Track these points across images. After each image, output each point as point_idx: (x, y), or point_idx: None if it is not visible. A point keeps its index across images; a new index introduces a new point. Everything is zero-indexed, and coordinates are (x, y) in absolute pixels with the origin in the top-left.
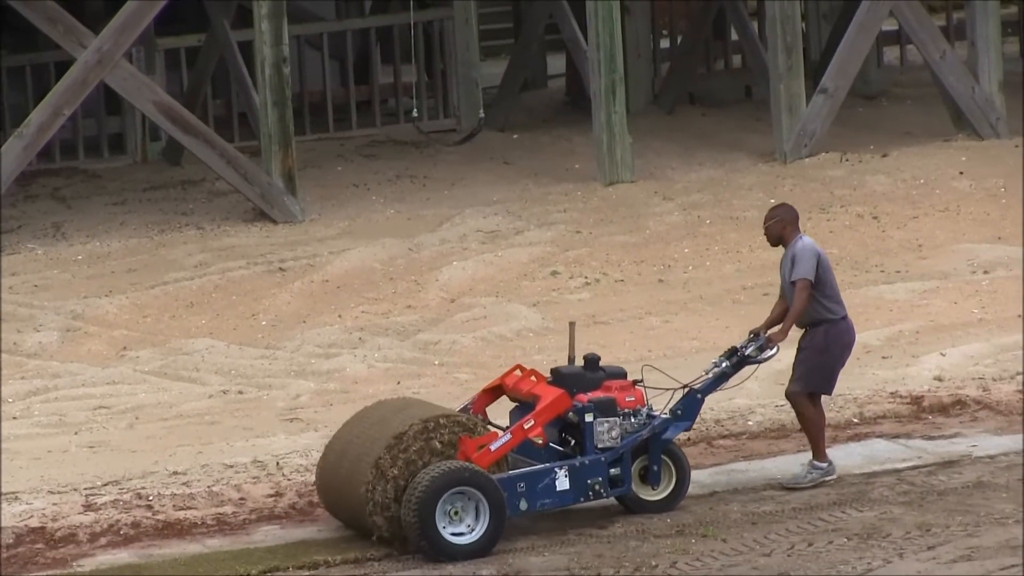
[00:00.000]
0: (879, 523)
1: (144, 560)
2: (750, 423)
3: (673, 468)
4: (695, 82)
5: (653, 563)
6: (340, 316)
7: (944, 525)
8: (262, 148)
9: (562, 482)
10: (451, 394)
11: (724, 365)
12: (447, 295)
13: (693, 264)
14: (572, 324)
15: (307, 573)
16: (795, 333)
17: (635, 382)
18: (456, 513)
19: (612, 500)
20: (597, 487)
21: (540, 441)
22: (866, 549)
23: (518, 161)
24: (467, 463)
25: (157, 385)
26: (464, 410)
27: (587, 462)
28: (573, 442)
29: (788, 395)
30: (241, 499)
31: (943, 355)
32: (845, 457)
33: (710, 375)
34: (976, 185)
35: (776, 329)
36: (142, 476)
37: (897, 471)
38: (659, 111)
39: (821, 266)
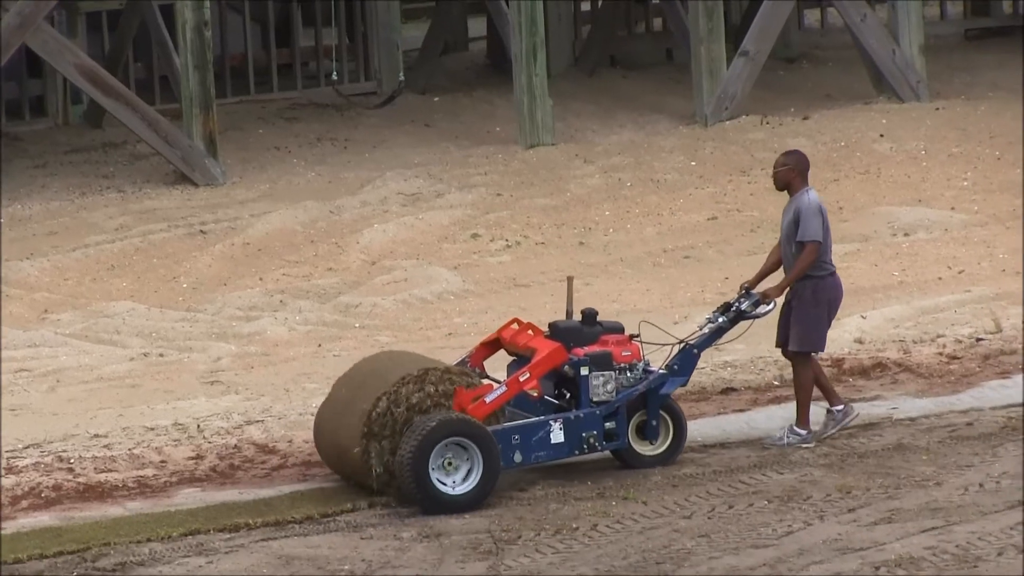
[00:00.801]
0: (799, 486)
1: (65, 523)
2: None
3: (671, 423)
4: (616, 45)
5: (574, 525)
6: (261, 279)
7: (864, 488)
8: (183, 111)
9: (557, 435)
10: None
11: (720, 320)
12: (368, 258)
13: (613, 227)
14: (570, 279)
15: (228, 535)
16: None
17: (632, 337)
18: (450, 463)
19: (607, 455)
20: (592, 440)
21: (535, 394)
22: (786, 512)
23: (439, 124)
24: (462, 414)
25: (78, 348)
26: (462, 363)
27: (582, 415)
28: (569, 395)
29: (790, 357)
30: (162, 462)
31: (863, 318)
32: (766, 420)
33: (705, 330)
34: (897, 148)
35: (772, 286)
36: (63, 439)
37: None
38: (580, 74)
39: (823, 224)
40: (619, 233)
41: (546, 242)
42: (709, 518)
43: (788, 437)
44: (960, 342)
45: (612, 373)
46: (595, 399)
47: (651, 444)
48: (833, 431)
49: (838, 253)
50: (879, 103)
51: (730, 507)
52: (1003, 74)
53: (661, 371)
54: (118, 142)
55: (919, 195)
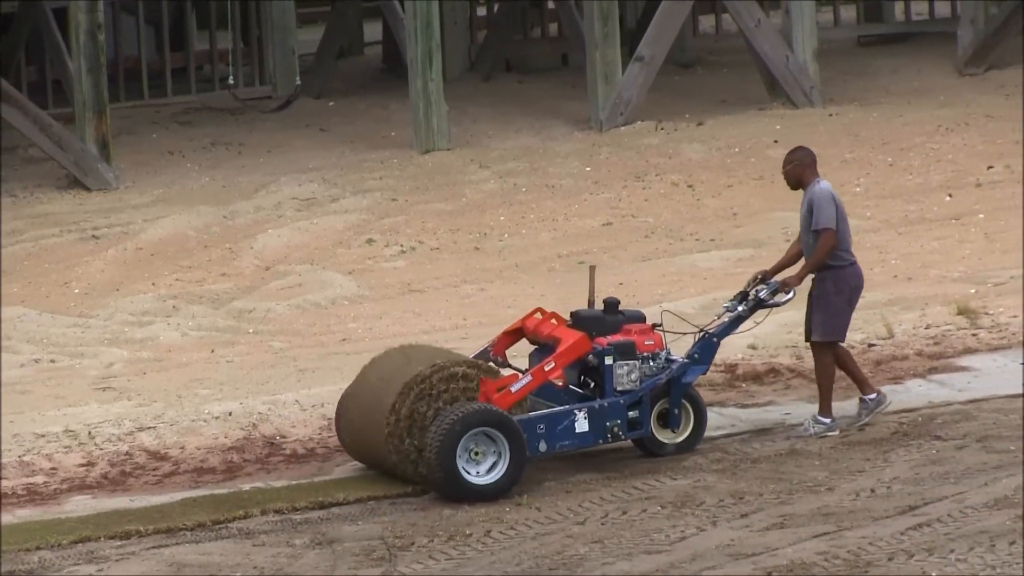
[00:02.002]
0: (693, 491)
1: None
2: None
3: (692, 412)
4: (512, 49)
5: (467, 532)
6: (154, 284)
7: (757, 493)
8: (76, 115)
9: (581, 424)
10: (266, 362)
11: (740, 309)
12: (262, 263)
13: (509, 232)
14: (592, 268)
15: (119, 543)
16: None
17: (654, 326)
18: (476, 454)
19: (629, 444)
20: (616, 429)
21: (560, 383)
22: (680, 517)
23: (334, 128)
24: (488, 404)
25: None
26: (483, 353)
27: (606, 404)
28: (592, 384)
29: (812, 345)
30: (52, 469)
31: (757, 323)
32: None
33: (725, 319)
34: None
35: (792, 274)
36: None
37: (711, 439)
38: (476, 78)
39: (837, 212)
40: (514, 238)
41: (441, 247)
42: (603, 524)
43: (813, 427)
44: (852, 348)
45: (636, 362)
46: (619, 388)
47: (672, 432)
48: (867, 419)
49: (731, 259)
50: (773, 108)
51: (624, 513)
52: (896, 80)
53: (683, 360)
54: (10, 146)
55: None
